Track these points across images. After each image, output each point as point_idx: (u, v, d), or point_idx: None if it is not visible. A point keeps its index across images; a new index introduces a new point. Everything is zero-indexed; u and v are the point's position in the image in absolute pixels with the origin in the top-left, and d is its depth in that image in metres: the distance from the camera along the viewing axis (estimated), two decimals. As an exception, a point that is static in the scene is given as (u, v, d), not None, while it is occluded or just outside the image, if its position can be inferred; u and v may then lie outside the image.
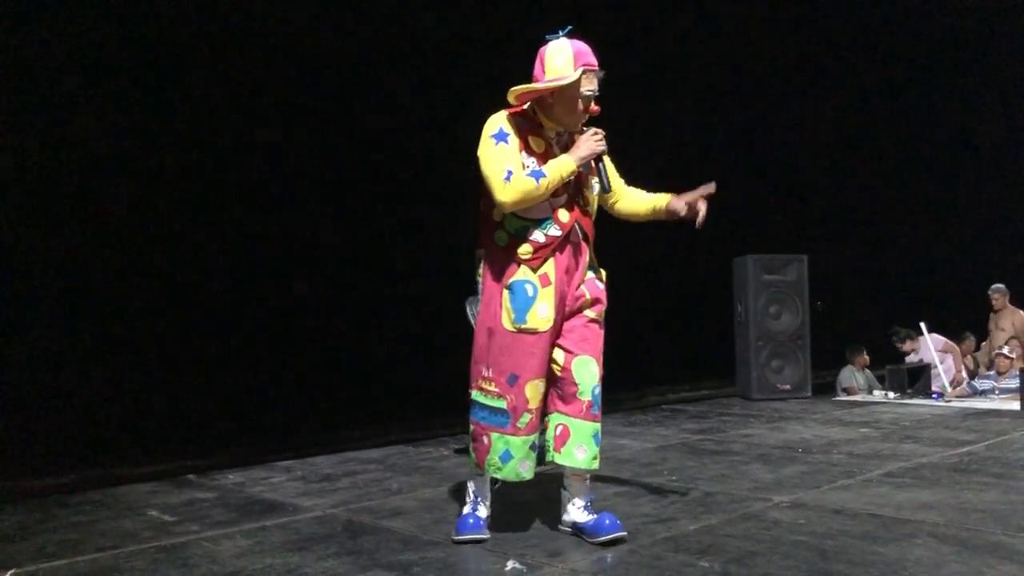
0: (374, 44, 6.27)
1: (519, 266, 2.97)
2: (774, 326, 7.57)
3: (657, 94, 7.75)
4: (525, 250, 2.96)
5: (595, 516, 3.09)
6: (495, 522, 3.28)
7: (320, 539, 3.21)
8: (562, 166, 2.92)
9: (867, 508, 3.45)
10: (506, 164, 2.90)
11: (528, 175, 2.88)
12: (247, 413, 5.35)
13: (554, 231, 2.97)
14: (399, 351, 6.20)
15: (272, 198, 5.69)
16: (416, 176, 6.43)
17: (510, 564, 2.82)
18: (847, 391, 8.03)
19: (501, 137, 2.95)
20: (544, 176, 2.88)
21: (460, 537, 3.06)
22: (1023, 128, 11.77)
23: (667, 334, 7.81)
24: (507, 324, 2.96)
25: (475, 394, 3.06)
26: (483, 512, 3.17)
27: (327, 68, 6.04)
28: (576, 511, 3.13)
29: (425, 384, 6.17)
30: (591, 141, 2.96)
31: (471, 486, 3.22)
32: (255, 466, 4.74)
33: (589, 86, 2.92)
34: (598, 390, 3.06)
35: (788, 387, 7.54)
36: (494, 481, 3.18)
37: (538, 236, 2.96)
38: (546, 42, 2.98)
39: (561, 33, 2.96)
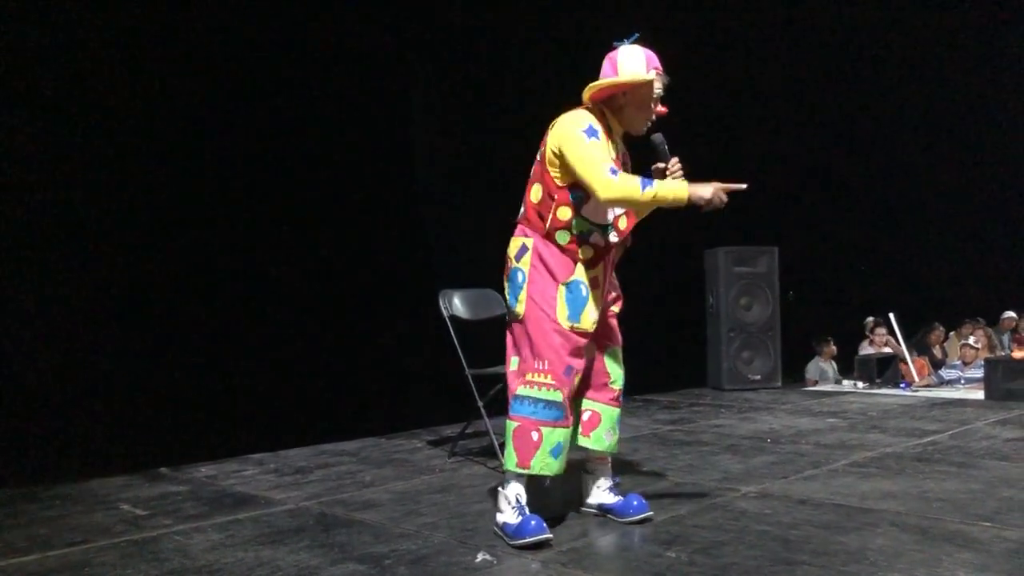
0: (362, 45, 6.27)
1: (575, 264, 3.02)
2: (745, 317, 7.64)
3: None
4: (586, 253, 3.02)
5: (622, 497, 3.23)
6: (466, 514, 3.31)
7: (292, 532, 3.22)
8: (675, 189, 2.88)
9: (832, 498, 3.52)
10: (608, 160, 2.90)
11: (641, 181, 2.86)
12: (220, 406, 5.34)
13: (613, 237, 3.05)
14: (373, 344, 6.20)
15: (243, 193, 5.67)
16: (397, 176, 6.42)
17: (480, 556, 2.85)
18: (815, 383, 8.14)
19: (592, 133, 2.93)
20: (651, 187, 2.85)
21: (526, 540, 2.88)
22: (993, 121, 11.91)
23: (639, 325, 7.86)
24: (562, 320, 2.99)
25: (522, 389, 3.01)
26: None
27: (315, 67, 6.02)
28: (603, 493, 3.28)
29: (399, 376, 6.19)
30: (722, 193, 2.91)
31: (510, 493, 3.02)
32: (228, 459, 4.74)
33: (659, 87, 3.01)
34: (624, 378, 3.26)
35: (758, 378, 7.62)
36: (542, 480, 3.07)
37: (599, 240, 3.03)
38: (613, 48, 3.04)
39: (628, 40, 3.03)
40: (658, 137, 3.10)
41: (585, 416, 3.20)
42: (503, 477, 3.08)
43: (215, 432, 5.15)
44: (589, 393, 3.20)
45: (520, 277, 3.07)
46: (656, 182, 2.88)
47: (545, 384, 2.97)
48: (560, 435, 2.99)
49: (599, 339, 3.18)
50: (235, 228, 5.60)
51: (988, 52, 11.62)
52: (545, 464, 2.98)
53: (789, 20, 9.96)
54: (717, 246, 7.66)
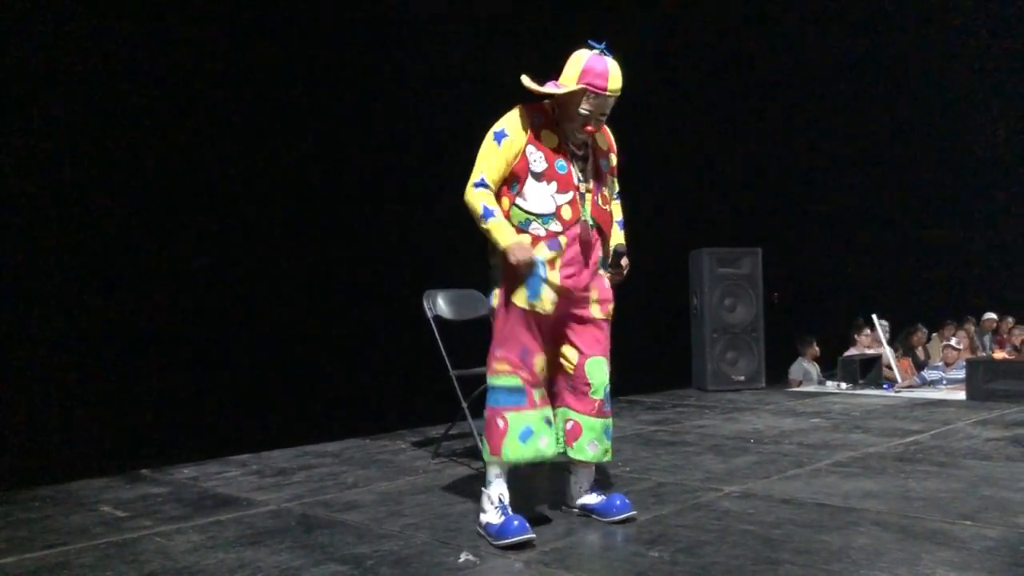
0: (359, 43, 6.24)
1: (536, 245, 3.03)
2: (729, 318, 7.66)
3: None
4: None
5: (605, 497, 3.23)
6: (449, 514, 3.29)
7: (274, 533, 3.20)
8: (500, 235, 2.96)
9: (814, 497, 3.53)
10: (485, 169, 3.00)
11: (485, 207, 2.97)
12: (202, 407, 5.29)
13: (554, 226, 3.02)
14: (356, 344, 6.17)
15: (227, 194, 5.63)
16: (374, 176, 6.40)
17: (463, 556, 2.84)
18: (799, 383, 8.18)
19: (500, 136, 3.01)
20: (487, 221, 2.98)
21: (509, 540, 2.88)
22: (977, 125, 12.01)
23: (623, 327, 7.86)
24: (520, 301, 3.02)
25: (489, 379, 3.08)
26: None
27: (309, 70, 5.98)
28: (586, 494, 3.28)
29: (382, 377, 6.16)
30: (526, 258, 2.94)
31: (493, 493, 3.05)
32: (209, 460, 4.72)
33: (587, 105, 2.95)
34: (608, 388, 3.19)
35: (742, 378, 7.65)
36: (515, 467, 3.09)
37: (538, 230, 3.02)
38: (583, 46, 3.02)
39: (597, 46, 3.00)
40: (622, 247, 3.27)
41: (568, 426, 3.18)
42: (486, 477, 3.08)
43: (196, 433, 5.10)
44: (571, 402, 3.17)
45: (497, 274, 3.13)
46: (495, 220, 2.97)
47: (504, 371, 3.03)
48: (526, 418, 3.00)
49: (580, 345, 3.14)
50: (218, 229, 5.56)
51: (977, 54, 11.71)
52: (515, 450, 2.99)
53: (777, 22, 10.00)
54: (701, 247, 7.68)
